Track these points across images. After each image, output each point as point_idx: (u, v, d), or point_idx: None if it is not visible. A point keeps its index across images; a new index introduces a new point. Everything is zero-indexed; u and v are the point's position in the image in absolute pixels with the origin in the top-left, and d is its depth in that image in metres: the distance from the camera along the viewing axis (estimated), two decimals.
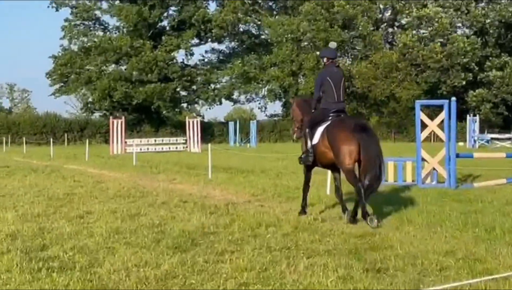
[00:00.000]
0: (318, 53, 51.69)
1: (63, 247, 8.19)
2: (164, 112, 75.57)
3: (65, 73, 75.09)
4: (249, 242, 8.61)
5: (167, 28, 77.92)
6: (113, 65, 76.13)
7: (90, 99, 77.16)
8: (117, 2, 76.19)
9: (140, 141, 46.60)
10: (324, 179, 14.35)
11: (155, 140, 48.59)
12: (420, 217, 10.42)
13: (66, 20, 75.82)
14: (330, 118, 10.97)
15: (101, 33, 77.67)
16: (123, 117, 46.97)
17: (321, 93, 11.19)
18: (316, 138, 10.98)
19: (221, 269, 7.13)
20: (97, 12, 77.10)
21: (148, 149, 43.73)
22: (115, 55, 72.91)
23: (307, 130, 11.22)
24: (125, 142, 43.80)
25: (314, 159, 11.12)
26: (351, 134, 10.30)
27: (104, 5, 77.17)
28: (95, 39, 75.22)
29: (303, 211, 11.24)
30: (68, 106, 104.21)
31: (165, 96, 71.96)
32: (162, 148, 44.83)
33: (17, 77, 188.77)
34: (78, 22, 76.08)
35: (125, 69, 74.29)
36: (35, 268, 7.08)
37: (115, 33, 77.29)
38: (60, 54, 76.33)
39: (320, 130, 10.92)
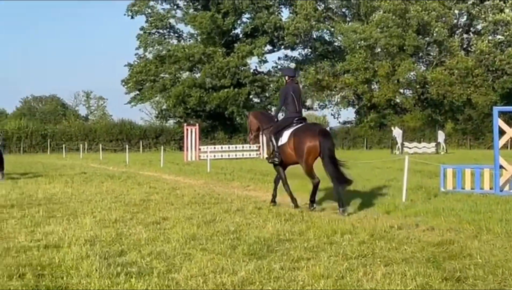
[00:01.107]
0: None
1: (141, 253, 8.28)
2: (237, 119, 75.94)
3: (140, 80, 76.31)
4: (325, 250, 8.55)
5: (240, 35, 78.37)
6: (187, 73, 76.97)
7: (164, 106, 78.24)
8: (191, 11, 77.07)
9: (214, 148, 46.95)
10: (398, 186, 14.14)
11: (229, 147, 48.87)
12: (499, 225, 10.17)
13: (141, 28, 77.10)
14: (294, 124, 13.28)
15: (175, 41, 78.64)
16: (197, 124, 47.38)
17: (283, 105, 13.71)
18: (283, 140, 13.22)
19: (298, 276, 7.08)
20: (172, 21, 78.13)
21: (221, 156, 43.98)
22: (189, 62, 73.68)
23: (272, 135, 13.52)
24: (199, 149, 44.19)
25: (280, 158, 13.41)
26: (315, 136, 12.70)
27: (179, 14, 78.18)
28: (169, 48, 76.18)
29: (292, 200, 13.62)
30: (143, 113, 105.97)
31: (239, 101, 72.30)
32: (236, 155, 45.02)
33: (94, 85, 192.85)
34: (153, 31, 77.22)
35: (198, 76, 75.02)
36: (114, 273, 7.17)
37: (189, 40, 78.17)
38: (135, 62, 77.66)
39: (287, 133, 13.19)
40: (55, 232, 9.97)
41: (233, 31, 77.95)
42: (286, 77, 14.08)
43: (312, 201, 13.13)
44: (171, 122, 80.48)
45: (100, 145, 57.48)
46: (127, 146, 49.51)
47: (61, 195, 16.20)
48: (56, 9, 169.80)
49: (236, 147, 48.43)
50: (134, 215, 12.01)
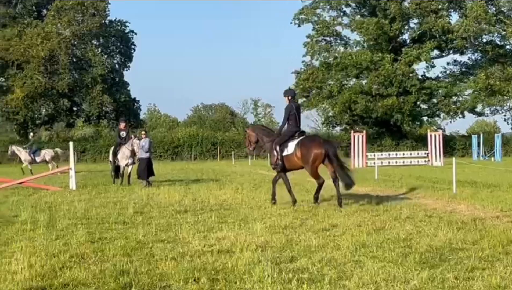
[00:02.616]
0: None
1: (311, 259, 8.30)
2: (404, 125, 74.70)
3: (307, 87, 76.81)
4: (501, 260, 8.23)
5: (408, 41, 77.12)
6: (353, 79, 76.69)
7: (330, 113, 78.27)
8: (357, 17, 76.73)
9: (381, 155, 46.48)
10: None
11: (396, 154, 48.22)
12: None
13: (308, 36, 77.63)
14: (296, 137, 15.74)
15: (342, 48, 78.51)
16: (364, 131, 47.10)
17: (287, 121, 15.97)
18: (289, 150, 15.57)
19: (472, 286, 6.86)
20: (338, 28, 78.11)
21: (389, 162, 43.47)
22: (356, 69, 73.34)
23: (277, 146, 15.73)
24: (366, 156, 43.89)
25: (284, 166, 15.76)
26: (320, 144, 15.36)
27: (345, 20, 78.03)
28: (336, 54, 76.20)
29: (291, 196, 15.88)
30: (309, 120, 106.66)
31: (404, 109, 71.17)
32: (403, 162, 44.34)
33: (261, 93, 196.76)
34: (319, 38, 77.51)
35: (365, 83, 74.53)
36: (286, 279, 7.23)
37: (356, 47, 77.84)
38: (302, 69, 78.29)
39: (292, 144, 15.57)
40: (227, 237, 10.20)
41: (400, 37, 76.81)
42: (289, 97, 16.23)
43: (316, 198, 15.88)
44: (337, 129, 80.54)
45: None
46: None
47: (232, 201, 16.59)
48: (224, 20, 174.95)
49: (403, 154, 47.70)
50: (303, 222, 12.08)
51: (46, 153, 37.80)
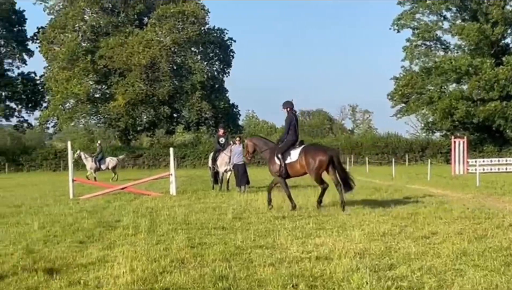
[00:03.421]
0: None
1: (411, 267, 8.18)
2: (507, 131, 72.67)
3: (406, 93, 75.85)
4: None
5: (510, 45, 75.07)
6: (453, 85, 75.24)
7: (430, 119, 76.97)
8: (458, 22, 75.27)
9: (483, 161, 45.33)
10: None
11: (499, 160, 46.92)
12: None
13: (407, 40, 76.72)
14: (297, 146, 16.73)
15: (441, 53, 77.17)
16: (465, 137, 46.09)
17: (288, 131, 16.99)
18: (293, 158, 16.51)
19: None
20: (438, 32, 76.77)
21: (491, 169, 42.34)
22: (456, 74, 71.88)
23: (279, 154, 16.66)
24: (467, 162, 42.91)
25: (286, 172, 16.69)
26: (325, 152, 16.48)
27: (446, 25, 76.68)
28: (436, 59, 74.93)
29: (291, 201, 16.62)
30: (408, 126, 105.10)
31: (508, 114, 69.26)
32: (506, 169, 43.07)
33: (359, 99, 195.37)
34: (419, 43, 76.44)
35: (465, 88, 72.97)
36: (385, 287, 7.15)
37: (456, 52, 76.33)
38: (401, 75, 77.36)
39: (295, 153, 16.52)
40: (325, 244, 10.16)
41: (502, 41, 74.81)
42: (288, 108, 17.38)
43: (320, 201, 16.62)
44: (437, 135, 79.12)
45: (366, 158, 57.92)
46: (393, 159, 49.39)
47: (330, 207, 16.52)
48: (322, 26, 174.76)
49: (506, 161, 46.34)
50: (402, 229, 11.91)
51: (111, 161, 39.04)
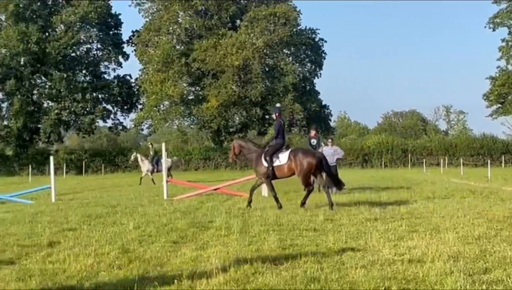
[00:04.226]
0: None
1: (506, 271, 7.98)
2: None
3: (503, 93, 73.99)
4: None
5: None
6: None
7: None
8: None
9: None
10: None
11: None
12: None
13: (503, 40, 74.84)
14: (284, 149, 17.63)
15: None
16: None
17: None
18: (282, 161, 17.44)
19: None
20: None
21: None
22: None
23: (268, 157, 17.51)
24: None
25: (273, 174, 17.66)
26: (314, 155, 17.52)
27: None
28: None
29: (277, 202, 17.56)
30: (504, 127, 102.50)
31: None
32: None
33: (453, 99, 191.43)
34: None
35: None
36: None
37: None
38: (497, 74, 75.50)
39: (283, 156, 17.46)
40: (418, 246, 10.03)
41: None
42: (277, 114, 18.36)
43: (303, 203, 17.49)
44: None
45: (461, 160, 56.80)
46: (488, 161, 48.23)
47: (423, 209, 16.28)
48: (413, 25, 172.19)
49: None
50: (498, 232, 11.63)
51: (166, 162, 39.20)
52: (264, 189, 23.09)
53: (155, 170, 38.38)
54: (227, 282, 7.67)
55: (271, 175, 17.74)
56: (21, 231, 13.24)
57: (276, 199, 17.63)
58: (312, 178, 18.26)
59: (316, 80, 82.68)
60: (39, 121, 77.91)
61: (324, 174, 18.22)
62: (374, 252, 9.69)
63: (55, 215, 16.73)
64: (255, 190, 18.42)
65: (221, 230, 12.50)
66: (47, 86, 77.56)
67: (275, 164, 17.56)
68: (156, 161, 38.61)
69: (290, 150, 17.70)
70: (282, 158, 17.50)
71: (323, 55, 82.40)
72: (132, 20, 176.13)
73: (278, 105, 19.59)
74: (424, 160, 65.49)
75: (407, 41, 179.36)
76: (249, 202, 17.89)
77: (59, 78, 73.73)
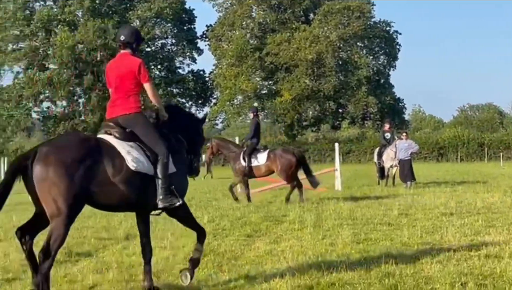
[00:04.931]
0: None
1: None
2: None
3: None
4: None
5: None
6: None
7: None
8: None
9: None
10: None
11: None
12: None
13: None
14: (262, 149, 18.68)
15: None
16: None
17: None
18: (260, 161, 18.15)
19: None
20: None
21: None
22: None
23: (246, 157, 18.14)
24: None
25: (251, 173, 18.32)
26: (294, 154, 18.28)
27: None
28: None
29: (249, 200, 18.27)
30: None
31: None
32: None
33: None
34: None
35: None
36: None
37: None
38: None
39: (262, 156, 18.22)
40: (495, 242, 9.83)
41: None
42: (254, 113, 19.65)
43: (287, 199, 17.88)
44: None
45: None
46: None
47: (500, 204, 15.95)
48: (490, 19, 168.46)
49: None
50: None
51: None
52: (338, 183, 23.09)
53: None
54: (300, 276, 7.67)
55: (247, 174, 18.39)
56: (98, 224, 13.54)
57: (248, 198, 18.42)
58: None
59: (390, 73, 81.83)
60: None
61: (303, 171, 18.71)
62: (450, 247, 9.54)
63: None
64: (233, 188, 18.95)
65: (294, 224, 12.53)
66: None
67: (253, 164, 18.26)
68: None
69: (268, 150, 18.65)
70: (261, 158, 18.26)
71: (398, 47, 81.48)
72: (206, 15, 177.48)
73: (255, 104, 20.37)
74: (501, 154, 64.04)
75: (483, 33, 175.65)
76: (235, 199, 18.48)
77: None
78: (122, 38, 7.56)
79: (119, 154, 6.78)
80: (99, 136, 7.18)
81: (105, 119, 7.66)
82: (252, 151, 18.36)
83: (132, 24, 77.87)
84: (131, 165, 6.75)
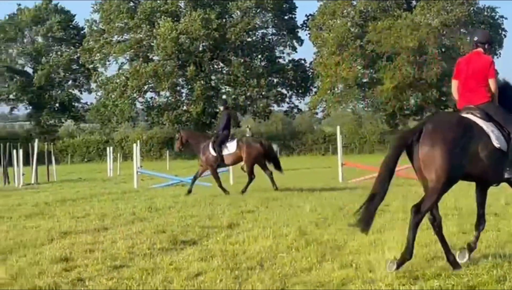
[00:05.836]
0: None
1: None
2: None
3: None
4: None
5: None
6: None
7: None
8: None
9: None
10: None
11: None
12: None
13: None
14: (230, 139, 19.40)
15: None
16: None
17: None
18: (230, 150, 19.12)
19: None
20: None
21: None
22: None
23: (217, 147, 19.08)
24: None
25: (222, 162, 19.47)
26: (262, 144, 19.48)
27: None
28: None
29: (224, 191, 18.88)
30: None
31: None
32: None
33: None
34: None
35: None
36: None
37: None
38: None
39: (232, 145, 19.13)
40: None
41: None
42: (224, 106, 20.96)
43: (244, 191, 18.62)
44: None
45: None
46: None
47: None
48: None
49: None
50: None
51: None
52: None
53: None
54: (406, 266, 7.58)
55: (219, 164, 19.54)
56: (202, 213, 13.77)
57: (222, 188, 19.08)
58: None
59: (495, 60, 79.55)
60: (216, 106, 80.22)
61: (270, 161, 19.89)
62: None
63: (233, 198, 17.24)
64: (196, 179, 19.82)
65: (398, 213, 12.39)
66: (224, 72, 79.83)
67: (224, 153, 19.23)
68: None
69: (236, 139, 19.63)
70: (231, 147, 19.21)
71: (503, 33, 79.15)
72: (306, 5, 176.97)
73: (224, 97, 20.92)
74: None
75: None
76: (189, 191, 19.02)
77: (237, 64, 75.61)
78: (476, 38, 8.71)
79: (485, 132, 7.76)
80: (463, 115, 8.12)
81: (455, 106, 9.10)
82: (222, 141, 19.25)
83: (233, 14, 78.66)
84: (495, 142, 7.71)
